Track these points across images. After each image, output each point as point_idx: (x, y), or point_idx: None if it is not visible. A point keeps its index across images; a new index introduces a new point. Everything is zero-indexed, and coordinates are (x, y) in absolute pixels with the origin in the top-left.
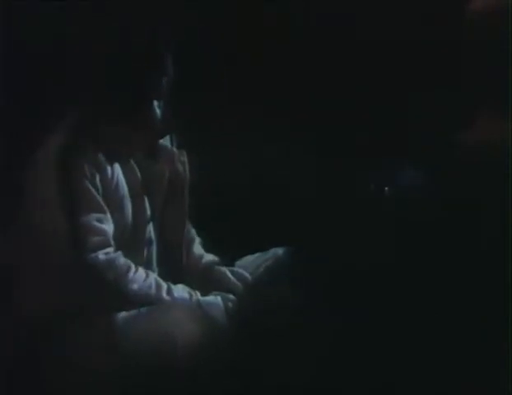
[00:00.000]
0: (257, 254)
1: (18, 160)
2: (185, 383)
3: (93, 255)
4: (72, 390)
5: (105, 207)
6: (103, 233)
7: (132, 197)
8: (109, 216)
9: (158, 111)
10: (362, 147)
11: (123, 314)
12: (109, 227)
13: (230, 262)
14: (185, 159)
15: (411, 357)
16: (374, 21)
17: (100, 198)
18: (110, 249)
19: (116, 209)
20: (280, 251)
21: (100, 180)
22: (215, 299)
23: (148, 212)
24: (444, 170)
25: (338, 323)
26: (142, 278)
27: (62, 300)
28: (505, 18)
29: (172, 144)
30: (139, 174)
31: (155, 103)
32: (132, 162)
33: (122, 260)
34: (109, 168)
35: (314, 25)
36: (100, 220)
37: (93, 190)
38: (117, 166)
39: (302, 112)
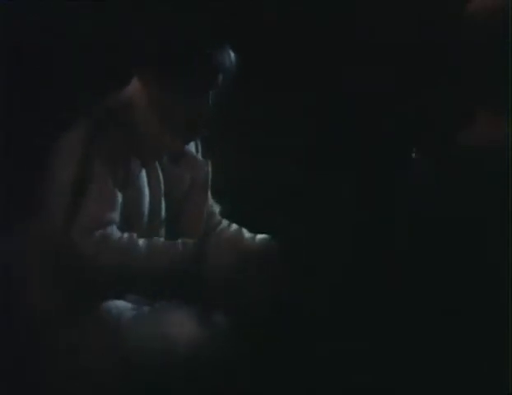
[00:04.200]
0: None
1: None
2: (186, 383)
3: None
4: (73, 390)
5: (119, 202)
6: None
7: (150, 197)
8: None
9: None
10: (362, 147)
11: (124, 315)
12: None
13: None
14: (209, 168)
15: (409, 355)
16: (374, 22)
17: (116, 192)
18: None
19: (133, 206)
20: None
21: (123, 175)
22: None
23: (163, 214)
24: (444, 170)
25: (335, 319)
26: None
27: (62, 297)
28: (505, 18)
29: (197, 151)
30: (161, 176)
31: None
32: (156, 163)
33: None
34: (135, 165)
35: (316, 25)
36: (111, 218)
37: (112, 184)
38: (140, 164)
39: (303, 109)
